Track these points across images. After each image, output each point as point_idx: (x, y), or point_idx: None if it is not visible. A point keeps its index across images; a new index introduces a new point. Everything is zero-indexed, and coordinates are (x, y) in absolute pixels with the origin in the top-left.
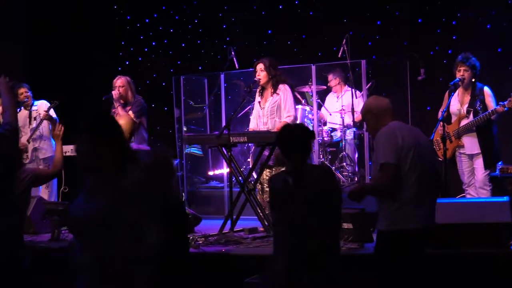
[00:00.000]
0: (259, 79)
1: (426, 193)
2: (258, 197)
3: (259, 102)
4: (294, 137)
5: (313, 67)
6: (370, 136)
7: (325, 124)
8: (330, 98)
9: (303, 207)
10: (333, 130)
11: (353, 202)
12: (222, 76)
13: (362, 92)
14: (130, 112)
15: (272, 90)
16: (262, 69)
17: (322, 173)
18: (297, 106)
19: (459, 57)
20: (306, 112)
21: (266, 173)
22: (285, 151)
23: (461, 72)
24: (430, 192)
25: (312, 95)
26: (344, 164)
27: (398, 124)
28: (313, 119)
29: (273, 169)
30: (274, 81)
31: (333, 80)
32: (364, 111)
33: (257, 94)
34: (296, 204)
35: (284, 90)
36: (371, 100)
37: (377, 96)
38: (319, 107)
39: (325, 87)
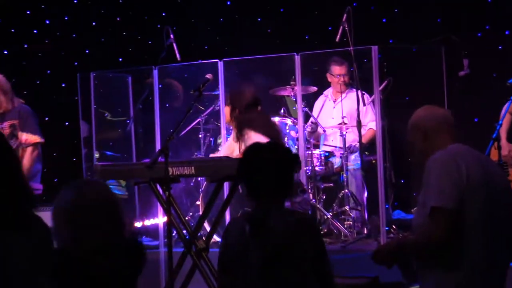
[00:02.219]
0: (210, 75)
1: (500, 256)
2: None
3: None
4: (265, 162)
5: (297, 58)
6: (413, 164)
7: (317, 145)
8: (324, 104)
9: (259, 268)
10: (329, 155)
11: (368, 266)
12: (155, 73)
13: (373, 96)
14: (25, 135)
15: (237, 135)
16: (225, 105)
17: (297, 222)
18: (274, 119)
19: None
20: (287, 127)
21: None
22: (250, 185)
23: None
24: (504, 254)
25: (295, 101)
26: (347, 208)
27: (461, 148)
28: (297, 138)
29: None
30: (238, 126)
31: (342, 77)
32: (411, 127)
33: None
34: (251, 263)
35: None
36: (422, 111)
37: (432, 106)
38: (307, 118)
39: (315, 88)
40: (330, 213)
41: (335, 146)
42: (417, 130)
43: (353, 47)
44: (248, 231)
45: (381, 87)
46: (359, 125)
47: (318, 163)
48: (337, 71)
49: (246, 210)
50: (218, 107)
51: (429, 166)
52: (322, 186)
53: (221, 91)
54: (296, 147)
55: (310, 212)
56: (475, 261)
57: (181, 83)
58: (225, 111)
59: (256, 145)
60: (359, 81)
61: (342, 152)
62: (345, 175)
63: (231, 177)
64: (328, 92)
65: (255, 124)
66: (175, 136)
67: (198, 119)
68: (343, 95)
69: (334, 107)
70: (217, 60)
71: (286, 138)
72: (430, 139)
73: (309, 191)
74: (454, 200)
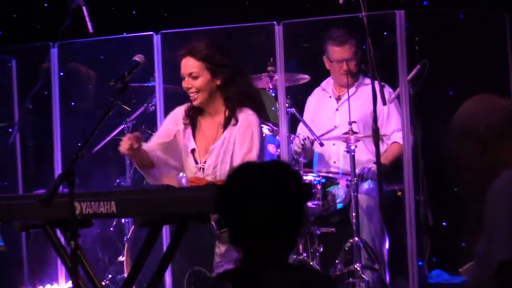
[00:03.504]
0: (140, 56)
1: None
2: None
3: (193, 142)
4: (260, 193)
5: (278, 29)
6: (464, 195)
7: (307, 166)
8: (322, 102)
9: None
10: (329, 182)
11: None
12: (54, 53)
13: (397, 90)
14: None
15: (226, 119)
16: (195, 70)
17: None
18: None
19: None
20: (264, 136)
21: None
22: (236, 227)
23: None
24: None
25: (275, 97)
26: (357, 266)
27: None
28: (278, 155)
29: None
30: (227, 102)
31: (346, 63)
32: (458, 132)
33: (184, 121)
34: None
35: (248, 122)
36: (476, 106)
37: (491, 96)
38: (294, 125)
39: (307, 77)
40: (331, 274)
41: (338, 172)
42: (469, 137)
43: (367, 12)
44: None
45: (411, 75)
46: (376, 135)
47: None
48: (336, 54)
49: (198, 269)
50: (153, 107)
51: (493, 196)
52: (318, 232)
53: (157, 81)
54: None
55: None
56: None
57: (94, 69)
58: (198, 84)
59: (248, 166)
60: (375, 67)
61: (349, 179)
62: (354, 214)
63: (174, 217)
64: (328, 84)
65: (247, 96)
66: (85, 153)
67: (122, 126)
68: (352, 89)
69: (337, 109)
70: (151, 32)
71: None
72: (492, 151)
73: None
74: None
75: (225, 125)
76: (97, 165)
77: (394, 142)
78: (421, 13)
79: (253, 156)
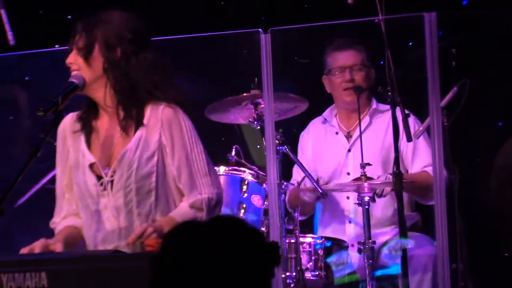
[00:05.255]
0: (78, 76)
1: None
2: None
3: (89, 153)
4: (213, 264)
5: (265, 38)
6: None
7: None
8: (325, 140)
9: None
10: (334, 246)
11: None
12: None
13: (427, 121)
14: None
15: (124, 117)
16: (80, 46)
17: None
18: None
19: None
20: (244, 186)
21: None
22: None
23: None
24: None
25: (260, 131)
26: None
27: None
28: (265, 209)
29: None
30: (122, 87)
31: (349, 72)
32: (502, 178)
33: (73, 128)
34: None
35: (173, 117)
36: None
37: None
38: (287, 169)
39: (304, 103)
40: None
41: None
42: None
43: (385, 15)
44: None
45: (446, 100)
46: (398, 181)
47: (311, 264)
48: (337, 61)
49: None
50: None
51: None
52: None
53: None
54: (264, 229)
55: None
56: None
57: (18, 94)
58: (80, 63)
59: (189, 225)
60: (397, 89)
61: (361, 241)
62: None
63: None
64: (332, 114)
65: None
66: (5, 207)
67: (55, 172)
68: (365, 119)
69: (349, 150)
70: None
71: (242, 211)
72: None
73: None
74: None
75: (125, 126)
76: (22, 223)
77: (423, 171)
78: (459, 16)
79: (201, 157)
